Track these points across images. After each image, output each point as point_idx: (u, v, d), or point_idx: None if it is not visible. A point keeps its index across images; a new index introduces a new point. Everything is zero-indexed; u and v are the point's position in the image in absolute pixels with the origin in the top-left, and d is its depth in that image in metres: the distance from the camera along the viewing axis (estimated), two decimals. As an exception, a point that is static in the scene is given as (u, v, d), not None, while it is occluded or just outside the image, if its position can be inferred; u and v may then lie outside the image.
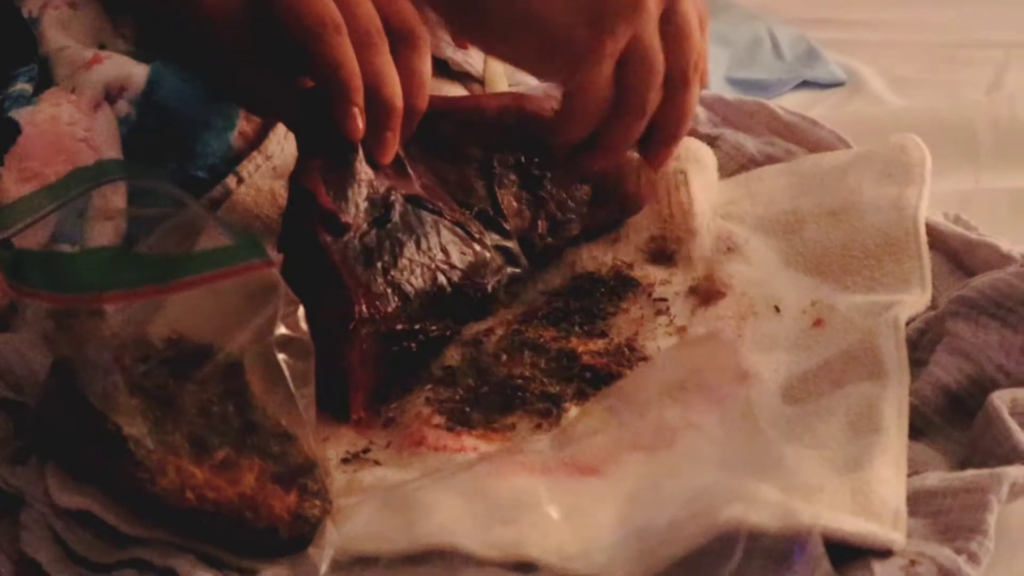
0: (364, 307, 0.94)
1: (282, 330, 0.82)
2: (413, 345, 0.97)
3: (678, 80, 0.94)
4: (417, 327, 0.97)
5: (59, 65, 1.09)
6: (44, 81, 1.09)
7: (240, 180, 1.12)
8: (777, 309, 1.02)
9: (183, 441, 0.81)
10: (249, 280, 0.83)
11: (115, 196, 0.93)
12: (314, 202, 0.95)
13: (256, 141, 1.15)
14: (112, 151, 1.03)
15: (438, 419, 0.94)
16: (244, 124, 1.14)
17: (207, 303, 0.83)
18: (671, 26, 0.92)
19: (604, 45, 0.92)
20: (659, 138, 0.98)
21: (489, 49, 1.03)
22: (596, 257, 1.09)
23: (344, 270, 0.94)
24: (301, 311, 0.83)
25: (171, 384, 0.82)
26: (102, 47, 1.11)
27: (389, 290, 0.96)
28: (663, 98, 0.96)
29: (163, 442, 0.80)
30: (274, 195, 1.11)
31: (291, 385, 0.82)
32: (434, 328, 0.99)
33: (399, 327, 0.96)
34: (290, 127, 1.06)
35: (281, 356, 0.82)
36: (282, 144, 1.16)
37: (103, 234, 0.92)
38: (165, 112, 1.08)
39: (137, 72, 1.08)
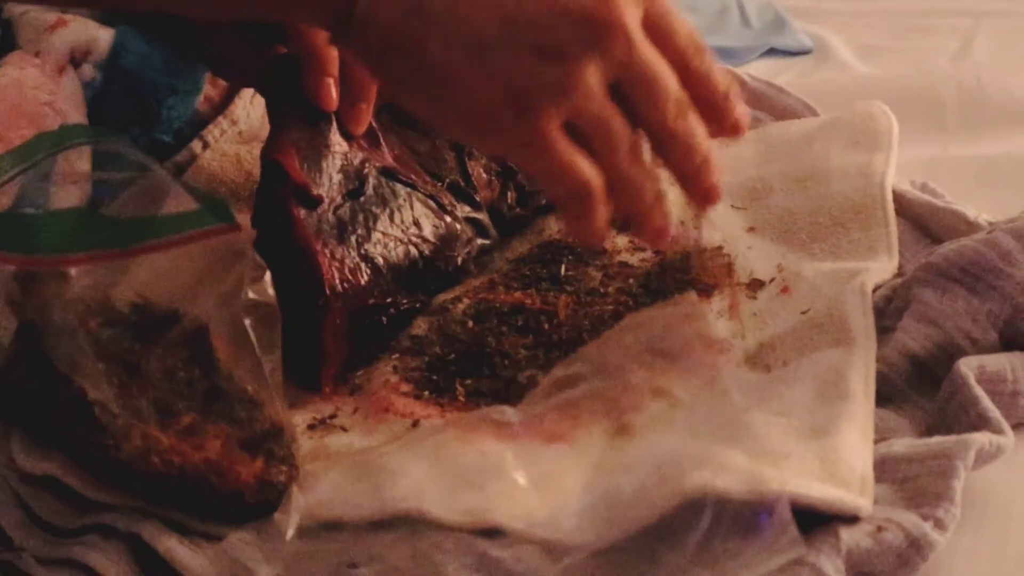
0: (336, 282, 0.93)
1: (249, 295, 0.82)
2: (384, 318, 0.97)
3: (658, 135, 0.85)
4: (388, 300, 0.97)
5: (23, 28, 1.09)
6: (7, 45, 1.08)
7: (205, 145, 1.12)
8: (746, 277, 1.02)
9: (148, 406, 0.80)
10: (215, 244, 0.83)
11: (80, 160, 0.93)
12: (286, 176, 0.95)
13: (222, 106, 1.15)
14: (77, 115, 1.03)
15: (405, 387, 0.93)
16: (210, 89, 1.14)
17: (173, 267, 0.83)
18: (627, 84, 0.83)
19: (531, 134, 0.81)
20: (680, 178, 0.88)
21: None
22: (563, 226, 1.09)
23: (316, 245, 0.94)
24: (268, 276, 0.82)
25: (137, 348, 0.82)
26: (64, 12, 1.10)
27: (362, 264, 0.96)
28: (656, 150, 0.86)
29: (128, 407, 0.80)
30: (239, 160, 1.11)
31: (257, 350, 0.82)
32: (405, 301, 0.99)
33: (371, 301, 0.96)
34: (264, 96, 1.06)
35: (247, 321, 0.81)
36: (248, 109, 1.15)
37: (68, 198, 0.91)
38: (130, 76, 1.08)
39: (102, 36, 1.07)
